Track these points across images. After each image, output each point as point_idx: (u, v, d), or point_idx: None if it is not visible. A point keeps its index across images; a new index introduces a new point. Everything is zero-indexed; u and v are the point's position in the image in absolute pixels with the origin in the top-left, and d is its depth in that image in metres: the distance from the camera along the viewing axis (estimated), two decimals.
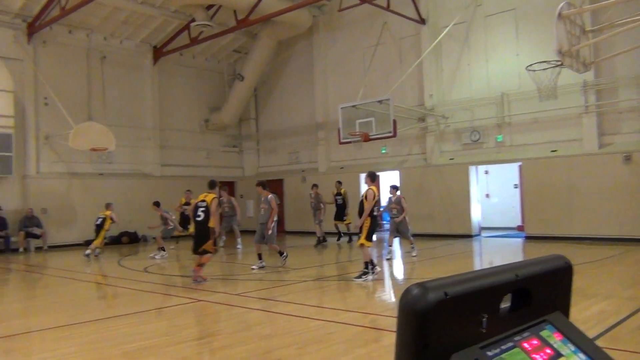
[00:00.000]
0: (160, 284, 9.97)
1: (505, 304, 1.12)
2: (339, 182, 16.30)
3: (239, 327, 6.24)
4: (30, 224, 16.49)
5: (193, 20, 18.00)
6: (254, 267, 10.83)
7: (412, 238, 12.14)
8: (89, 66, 18.77)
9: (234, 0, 17.00)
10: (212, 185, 9.82)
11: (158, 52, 20.41)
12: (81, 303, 8.12)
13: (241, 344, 5.36)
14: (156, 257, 13.56)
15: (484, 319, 1.02)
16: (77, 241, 17.60)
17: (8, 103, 16.15)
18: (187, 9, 18.08)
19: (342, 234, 16.30)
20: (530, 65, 11.03)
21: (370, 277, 9.04)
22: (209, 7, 18.10)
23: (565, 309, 1.26)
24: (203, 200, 9.39)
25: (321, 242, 15.49)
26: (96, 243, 14.12)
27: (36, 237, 16.63)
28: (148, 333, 5.94)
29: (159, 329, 6.18)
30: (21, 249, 16.15)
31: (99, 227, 14.20)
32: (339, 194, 15.90)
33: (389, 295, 8.57)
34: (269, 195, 10.93)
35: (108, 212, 14.36)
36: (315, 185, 16.28)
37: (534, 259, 1.22)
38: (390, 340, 5.42)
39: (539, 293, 1.17)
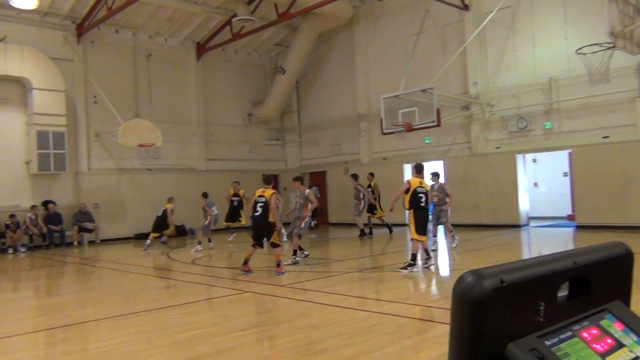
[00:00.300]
0: (208, 275, 10.17)
1: (562, 292, 1.08)
2: (371, 174, 16.04)
3: (285, 317, 6.30)
4: (83, 218, 17.10)
5: (235, 15, 18.17)
6: (297, 258, 10.85)
7: (451, 228, 11.97)
8: (135, 64, 19.26)
9: None
10: (268, 180, 9.70)
11: (201, 48, 20.73)
12: (133, 294, 8.38)
13: (287, 335, 5.41)
14: (197, 248, 13.83)
15: (541, 308, 0.98)
16: (127, 235, 18.19)
17: (60, 102, 16.74)
18: (228, 4, 18.28)
19: (371, 228, 15.73)
20: (580, 48, 10.64)
21: (415, 269, 8.96)
22: (250, 1, 18.25)
23: (625, 298, 1.21)
24: (261, 196, 9.27)
25: (365, 233, 15.29)
26: (167, 232, 15.40)
27: (89, 231, 17.25)
28: (197, 323, 6.07)
29: (207, 319, 6.31)
30: (75, 243, 16.78)
31: (160, 219, 15.03)
32: (369, 186, 15.64)
33: (435, 287, 8.48)
34: (306, 190, 10.89)
35: (169, 205, 15.14)
36: (353, 176, 15.75)
37: (593, 246, 1.17)
38: (436, 331, 5.37)
39: (598, 281, 1.12)
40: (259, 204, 9.22)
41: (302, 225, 10.73)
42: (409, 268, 8.93)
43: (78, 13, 17.43)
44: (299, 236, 10.82)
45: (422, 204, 9.06)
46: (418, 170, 9.34)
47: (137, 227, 18.41)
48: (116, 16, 16.88)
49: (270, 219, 9.15)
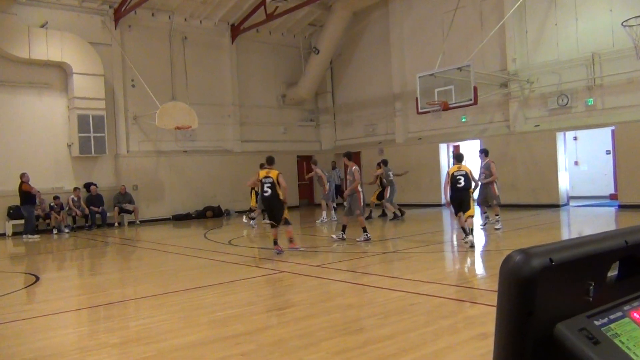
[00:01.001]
0: (245, 255, 10.31)
1: (612, 272, 1.03)
2: (379, 164, 15.46)
3: (321, 297, 6.34)
4: (123, 200, 17.53)
5: None
6: (333, 236, 10.89)
7: (493, 207, 11.80)
8: (171, 47, 19.46)
9: None
10: (270, 161, 10.03)
11: (236, 30, 20.76)
12: (172, 274, 8.56)
13: (324, 314, 5.44)
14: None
15: (591, 287, 0.94)
16: (165, 216, 18.57)
17: (99, 86, 17.10)
18: None
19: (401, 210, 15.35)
20: (627, 20, 10.20)
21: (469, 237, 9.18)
22: None
23: None
24: (268, 176, 9.61)
25: (397, 216, 15.00)
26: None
27: (129, 212, 17.69)
28: (234, 302, 6.17)
29: (244, 299, 6.40)
30: (116, 224, 17.24)
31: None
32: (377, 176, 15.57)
33: (473, 266, 8.38)
34: (353, 167, 10.76)
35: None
36: (379, 164, 15.36)
37: None
38: (474, 311, 5.31)
39: None
40: (266, 185, 9.56)
41: (349, 206, 10.65)
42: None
43: None
44: (360, 214, 10.69)
45: (459, 185, 9.60)
46: (457, 158, 10.08)
47: (174, 209, 18.78)
48: (152, 0, 17.02)
49: (281, 197, 9.53)
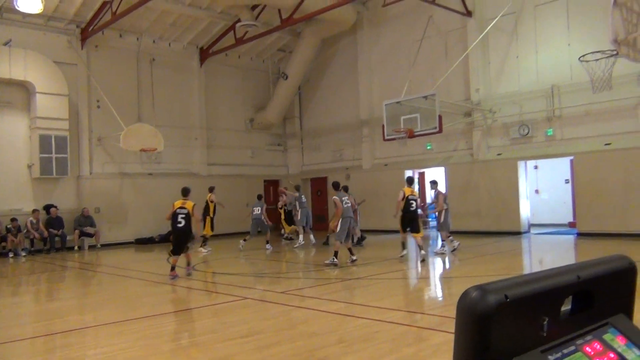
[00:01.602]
0: (208, 281, 10.16)
1: (566, 307, 1.07)
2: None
3: (285, 325, 6.28)
4: (84, 223, 17.10)
5: (238, 20, 18.22)
6: (335, 260, 10.89)
7: (445, 234, 12.56)
8: (138, 69, 19.31)
9: None
10: (185, 192, 10.12)
11: (204, 53, 20.79)
12: (133, 300, 8.36)
13: (287, 342, 5.38)
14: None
15: (545, 322, 0.97)
16: (128, 239, 18.18)
17: (63, 106, 16.78)
18: (232, 9, 18.33)
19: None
20: (583, 55, 10.64)
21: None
22: (254, 7, 18.29)
23: (628, 312, 1.20)
24: (183, 207, 9.72)
25: (360, 240, 14.98)
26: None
27: (90, 235, 17.24)
28: (196, 330, 6.05)
29: (206, 326, 6.29)
30: (76, 247, 16.76)
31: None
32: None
33: (435, 294, 8.45)
34: (334, 197, 11.13)
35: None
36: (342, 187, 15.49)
37: (596, 260, 1.16)
38: (437, 339, 5.34)
39: (601, 295, 1.11)
40: (181, 216, 9.70)
41: (338, 230, 10.90)
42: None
43: (82, 17, 17.49)
44: (341, 241, 10.95)
45: (411, 208, 11.33)
46: (409, 182, 11.98)
47: (137, 232, 18.41)
48: (120, 21, 16.92)
49: (193, 230, 9.87)
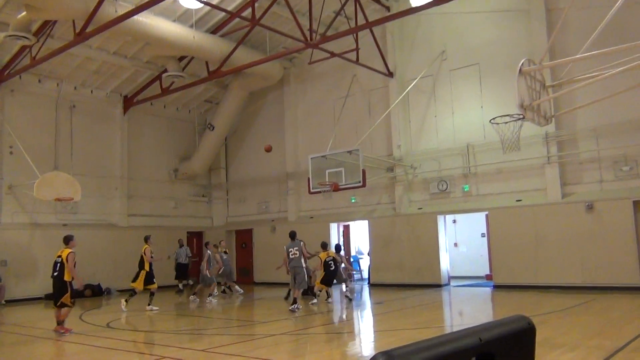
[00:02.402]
0: (124, 340, 9.62)
1: None
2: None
3: None
4: None
5: (165, 70, 18.13)
6: (298, 306, 12.01)
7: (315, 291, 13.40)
8: (57, 115, 18.60)
9: (206, 52, 17.21)
10: (66, 240, 10.08)
11: (128, 102, 20.40)
12: None
13: None
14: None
15: None
16: (37, 294, 16.95)
17: None
18: (159, 59, 18.22)
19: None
20: (494, 118, 11.39)
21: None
22: (181, 58, 18.32)
23: None
24: (59, 256, 9.76)
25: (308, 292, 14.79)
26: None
27: None
28: None
29: None
30: None
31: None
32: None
33: (357, 349, 8.46)
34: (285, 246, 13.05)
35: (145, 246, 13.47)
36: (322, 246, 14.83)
37: (497, 321, 1.24)
38: None
39: (502, 355, 1.18)
40: (57, 264, 9.73)
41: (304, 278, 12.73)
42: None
43: None
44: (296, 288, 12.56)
45: (331, 269, 12.85)
46: (323, 247, 13.33)
47: (48, 287, 17.08)
48: (40, 66, 16.37)
49: (66, 278, 9.65)
